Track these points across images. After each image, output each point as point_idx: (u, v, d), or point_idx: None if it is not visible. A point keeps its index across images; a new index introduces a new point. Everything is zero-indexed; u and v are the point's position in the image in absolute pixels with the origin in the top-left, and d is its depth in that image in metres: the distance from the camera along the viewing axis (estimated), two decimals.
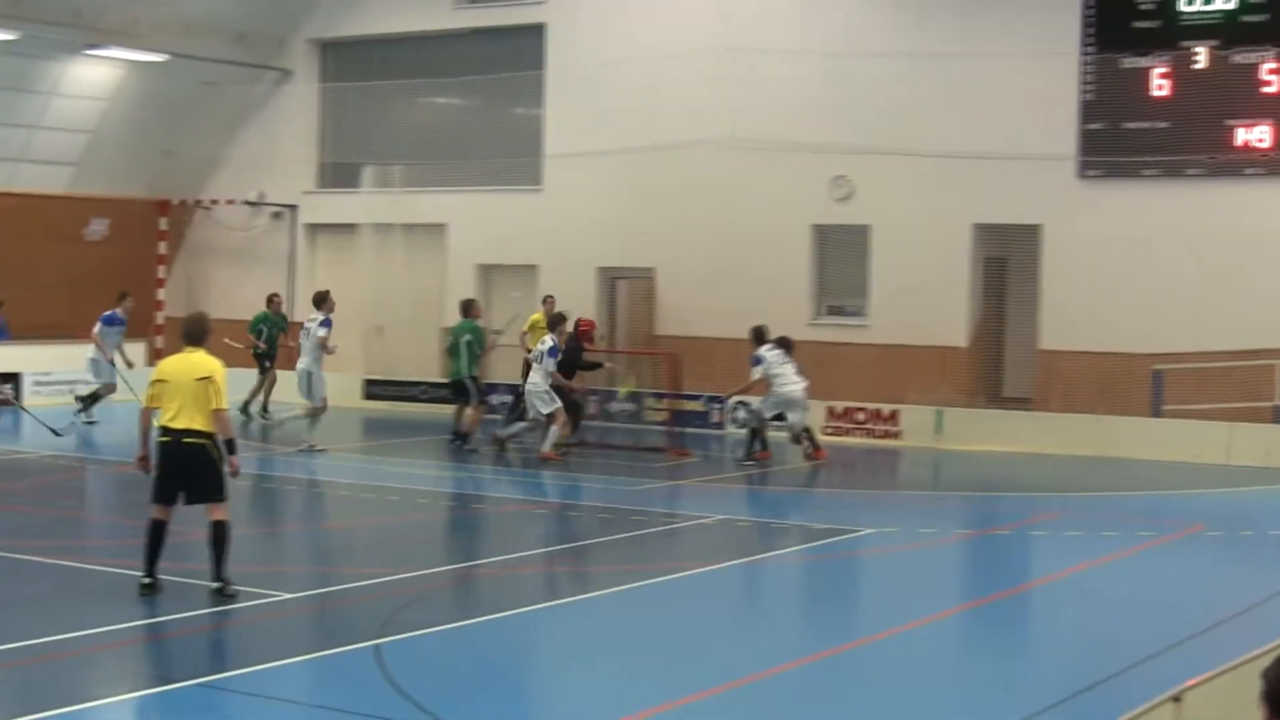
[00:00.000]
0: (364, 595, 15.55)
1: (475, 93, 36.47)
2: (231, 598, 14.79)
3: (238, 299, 38.44)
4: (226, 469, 15.09)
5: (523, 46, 35.42)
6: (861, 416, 30.39)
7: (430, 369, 35.65)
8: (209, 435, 14.87)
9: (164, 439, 14.86)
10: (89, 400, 30.04)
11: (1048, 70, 29.55)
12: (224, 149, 38.99)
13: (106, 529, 19.87)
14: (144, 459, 15.31)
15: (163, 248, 39.30)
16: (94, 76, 35.48)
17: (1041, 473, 26.81)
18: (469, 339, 27.85)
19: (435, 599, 15.62)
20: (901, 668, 13.29)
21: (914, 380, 30.81)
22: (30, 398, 33.89)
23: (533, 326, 29.57)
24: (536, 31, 35.09)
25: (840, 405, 30.71)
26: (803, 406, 27.20)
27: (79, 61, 34.82)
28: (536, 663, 13.84)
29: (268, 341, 31.91)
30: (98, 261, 37.23)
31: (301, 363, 27.02)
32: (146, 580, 14.82)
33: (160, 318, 38.83)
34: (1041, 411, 29.88)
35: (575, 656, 13.73)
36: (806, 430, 27.53)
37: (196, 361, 15.01)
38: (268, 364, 31.75)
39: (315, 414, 26.83)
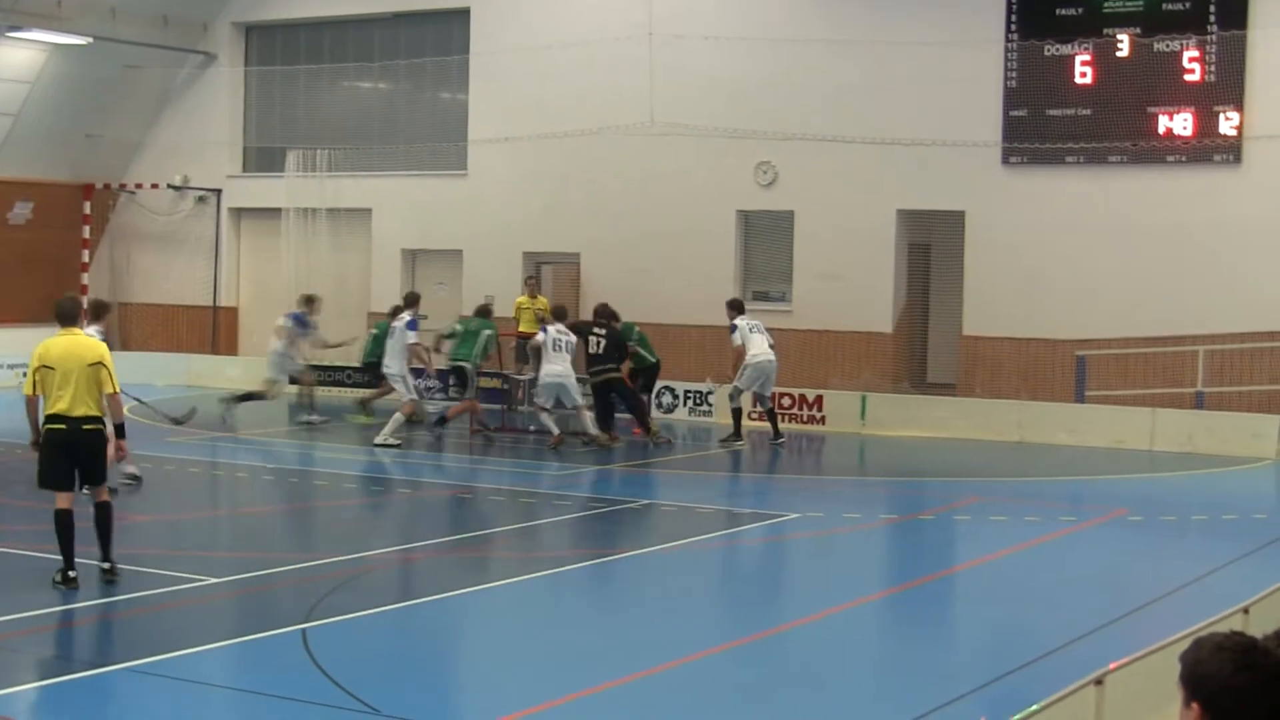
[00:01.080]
0: (290, 580, 15.53)
1: (400, 77, 36.39)
2: (113, 580, 14.70)
3: (162, 283, 38.34)
4: (110, 451, 15.02)
5: (447, 31, 35.37)
6: (786, 402, 30.43)
7: (354, 354, 35.50)
8: (101, 420, 14.70)
9: (58, 426, 14.54)
10: (246, 398, 29.43)
11: (971, 57, 29.71)
12: (148, 133, 38.75)
13: (26, 515, 19.70)
14: (38, 443, 14.83)
15: (86, 232, 39.01)
16: (16, 59, 35.18)
17: (965, 458, 26.97)
18: (490, 334, 27.75)
19: (362, 584, 15.59)
20: (826, 652, 13.38)
21: (838, 366, 30.99)
22: None
23: (519, 310, 29.54)
24: (461, 16, 35.02)
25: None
26: (769, 376, 27.56)
27: (2, 44, 34.50)
28: (463, 647, 13.86)
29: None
30: (21, 245, 36.95)
31: (393, 367, 26.84)
32: (72, 574, 14.51)
33: (84, 302, 38.47)
34: (965, 397, 30.06)
35: (501, 641, 13.77)
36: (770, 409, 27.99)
37: (84, 345, 14.76)
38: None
39: (410, 416, 26.86)
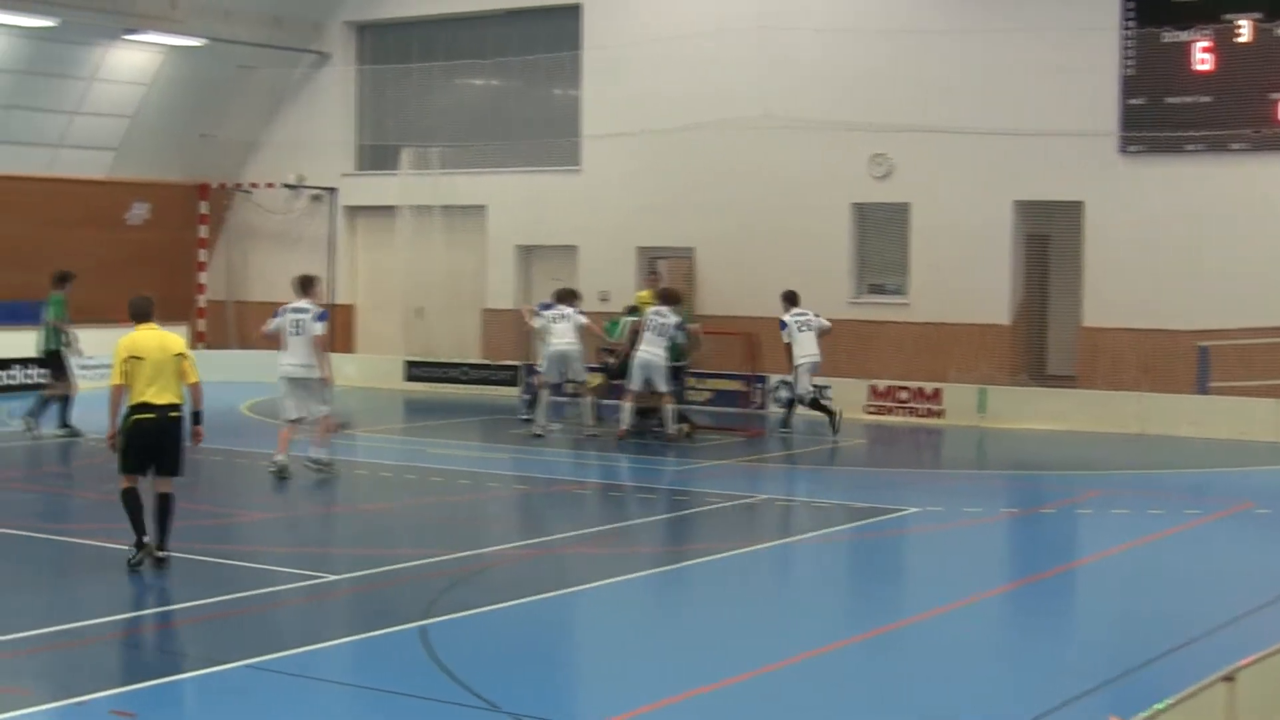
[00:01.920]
0: (409, 577, 15.52)
1: (512, 74, 36.39)
2: (168, 567, 15.31)
3: (279, 282, 38.47)
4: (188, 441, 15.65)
5: (559, 27, 35.35)
6: (904, 395, 30.26)
7: (471, 350, 35.67)
8: (180, 409, 15.46)
9: (147, 415, 15.25)
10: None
11: (1088, 45, 29.36)
12: (262, 132, 39.03)
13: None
14: (115, 436, 15.50)
15: (203, 231, 39.37)
16: (133, 62, 35.52)
17: (1086, 451, 26.64)
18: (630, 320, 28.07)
19: (481, 580, 15.57)
20: (950, 647, 13.20)
21: (956, 358, 30.69)
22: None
23: (641, 304, 29.42)
24: (573, 12, 35.00)
25: (882, 384, 30.61)
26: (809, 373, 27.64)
27: (118, 47, 34.84)
28: (582, 643, 13.79)
29: None
30: (138, 246, 37.31)
31: (569, 344, 26.81)
32: (146, 539, 15.30)
33: (202, 301, 38.89)
34: (1085, 389, 29.71)
35: (621, 636, 13.70)
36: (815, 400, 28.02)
37: (168, 338, 15.65)
38: None
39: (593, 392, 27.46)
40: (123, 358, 15.26)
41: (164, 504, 15.51)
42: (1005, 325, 30.60)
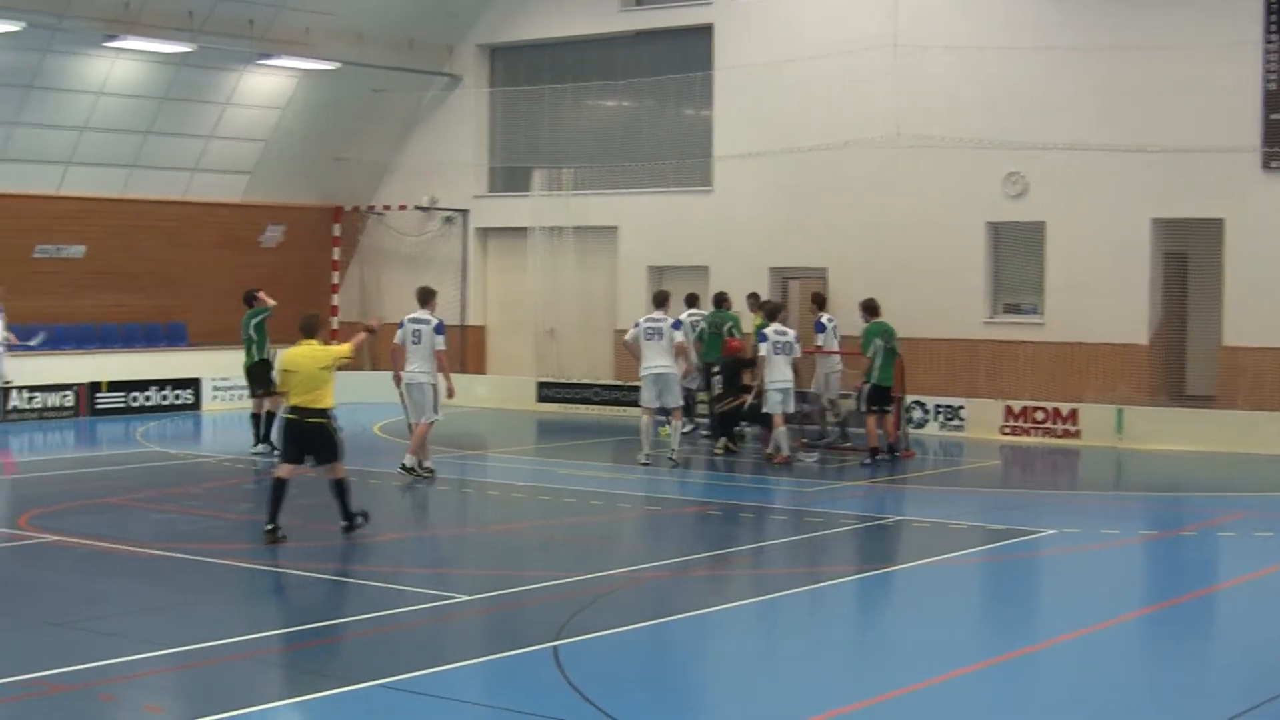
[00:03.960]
0: (541, 597, 15.47)
1: (644, 95, 36.39)
2: (362, 524, 18.33)
3: (412, 303, 38.63)
4: (340, 437, 18.35)
5: (691, 47, 35.31)
6: (1040, 416, 29.90)
7: (603, 371, 35.66)
8: (325, 413, 18.08)
9: (292, 416, 18.23)
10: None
11: (1229, 60, 28.88)
12: (395, 155, 39.29)
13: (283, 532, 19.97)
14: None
15: (336, 253, 39.68)
16: (267, 86, 35.87)
17: (1226, 472, 26.21)
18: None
19: (612, 601, 15.49)
20: (1087, 671, 12.94)
21: (1093, 378, 30.27)
22: (209, 403, 34.38)
23: (757, 329, 29.20)
24: (704, 32, 34.95)
25: (1018, 404, 30.25)
26: (788, 395, 26.28)
27: (253, 72, 35.20)
28: (716, 665, 13.64)
29: None
30: (272, 268, 37.62)
31: (664, 368, 25.56)
32: (269, 528, 17.78)
33: (335, 323, 39.16)
34: (1225, 409, 29.18)
35: (754, 659, 13.57)
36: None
37: (317, 352, 18.32)
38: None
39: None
40: (280, 370, 18.33)
41: (338, 487, 18.18)
42: (1143, 345, 30.15)
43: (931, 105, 31.68)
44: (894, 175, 32.15)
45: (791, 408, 26.25)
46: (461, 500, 23.27)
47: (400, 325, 23.76)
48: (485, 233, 38.69)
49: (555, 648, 13.04)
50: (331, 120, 37.44)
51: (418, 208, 38.71)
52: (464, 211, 38.57)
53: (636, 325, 26.05)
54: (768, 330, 26.24)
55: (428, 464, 23.57)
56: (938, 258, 31.80)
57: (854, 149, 32.25)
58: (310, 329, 18.63)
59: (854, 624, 14.98)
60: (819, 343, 28.34)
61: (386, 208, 39.49)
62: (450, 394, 23.46)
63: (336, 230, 39.63)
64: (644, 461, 25.62)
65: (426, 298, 24.13)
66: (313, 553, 17.68)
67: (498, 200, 38.32)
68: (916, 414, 30.64)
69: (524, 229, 37.28)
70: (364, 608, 15.05)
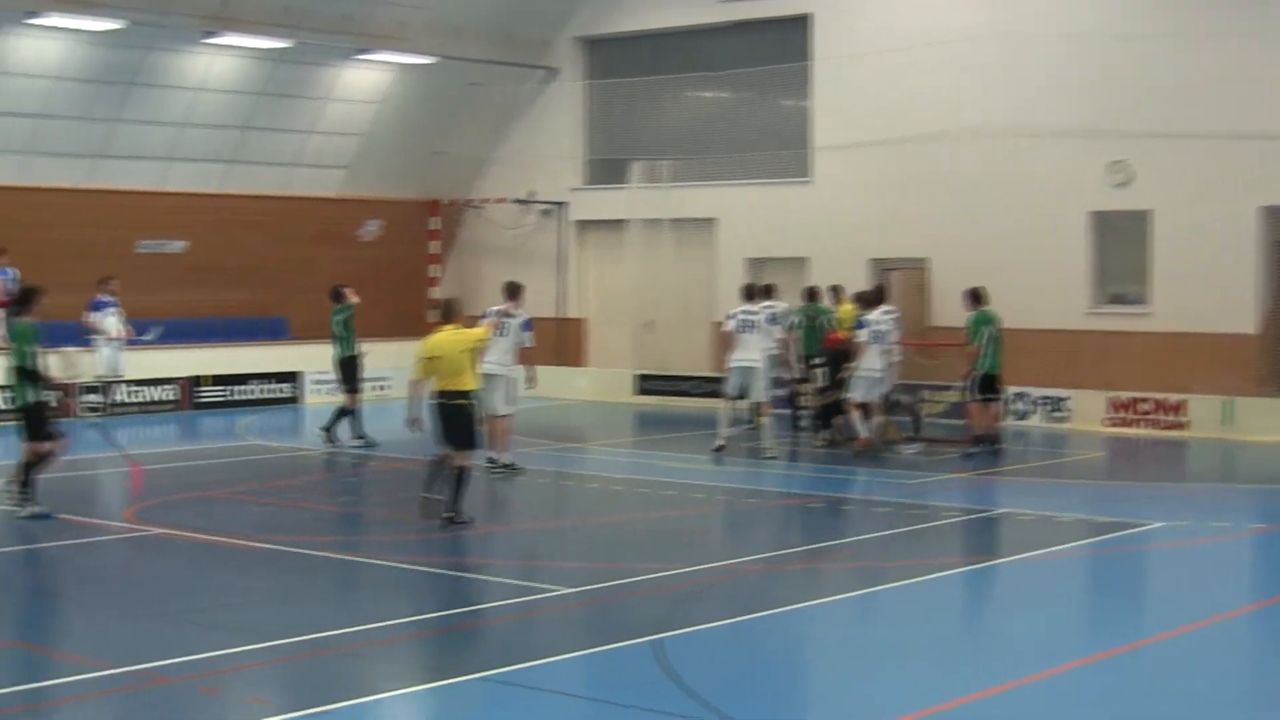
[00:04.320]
0: (642, 590, 15.36)
1: (741, 86, 36.23)
2: (464, 524, 18.29)
3: None
4: (480, 425, 19.10)
5: (788, 38, 35.11)
6: (1146, 407, 29.51)
7: (701, 363, 35.50)
8: (469, 394, 18.55)
9: (440, 401, 18.47)
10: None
11: None
12: (492, 148, 39.30)
13: (381, 525, 19.97)
14: (416, 420, 18.58)
15: (434, 247, 39.74)
16: (364, 81, 35.96)
17: None
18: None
19: (715, 594, 15.38)
20: (1196, 666, 12.70)
21: (1200, 369, 29.78)
22: (309, 396, 34.50)
23: (845, 316, 29.07)
24: (801, 23, 34.74)
25: (1124, 395, 29.86)
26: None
27: (350, 67, 35.31)
28: (819, 658, 13.49)
29: None
30: (370, 262, 37.79)
31: (753, 361, 25.51)
32: (426, 496, 18.52)
33: (433, 317, 39.12)
34: None
35: (858, 652, 13.39)
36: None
37: (460, 335, 18.70)
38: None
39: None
40: (424, 357, 18.57)
41: (460, 475, 18.39)
42: (1252, 335, 29.68)
43: (1032, 93, 31.35)
44: (995, 164, 31.81)
45: (876, 397, 26.16)
46: (560, 493, 23.19)
47: (484, 315, 23.52)
48: (583, 225, 38.64)
49: (658, 641, 12.92)
50: (429, 114, 37.50)
51: (515, 201, 38.71)
52: (562, 204, 38.53)
53: (731, 316, 25.92)
54: (869, 317, 26.18)
55: (507, 458, 23.30)
56: (1040, 248, 31.45)
57: (954, 138, 31.96)
58: (450, 313, 19.08)
59: (960, 617, 14.78)
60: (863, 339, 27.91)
61: (484, 201, 39.53)
62: (533, 384, 23.81)
63: (434, 224, 39.68)
64: (718, 447, 25.66)
65: (514, 291, 24.09)
66: (412, 546, 17.64)
67: (595, 193, 38.25)
68: (1020, 406, 30.30)
69: (622, 221, 37.20)
70: (463, 601, 15.03)
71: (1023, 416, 30.33)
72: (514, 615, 14.31)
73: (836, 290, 30.20)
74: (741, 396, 25.98)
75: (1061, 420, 30.20)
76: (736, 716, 10.84)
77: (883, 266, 33.48)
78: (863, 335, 25.95)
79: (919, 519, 19.95)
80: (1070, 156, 31.03)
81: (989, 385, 26.23)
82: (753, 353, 25.49)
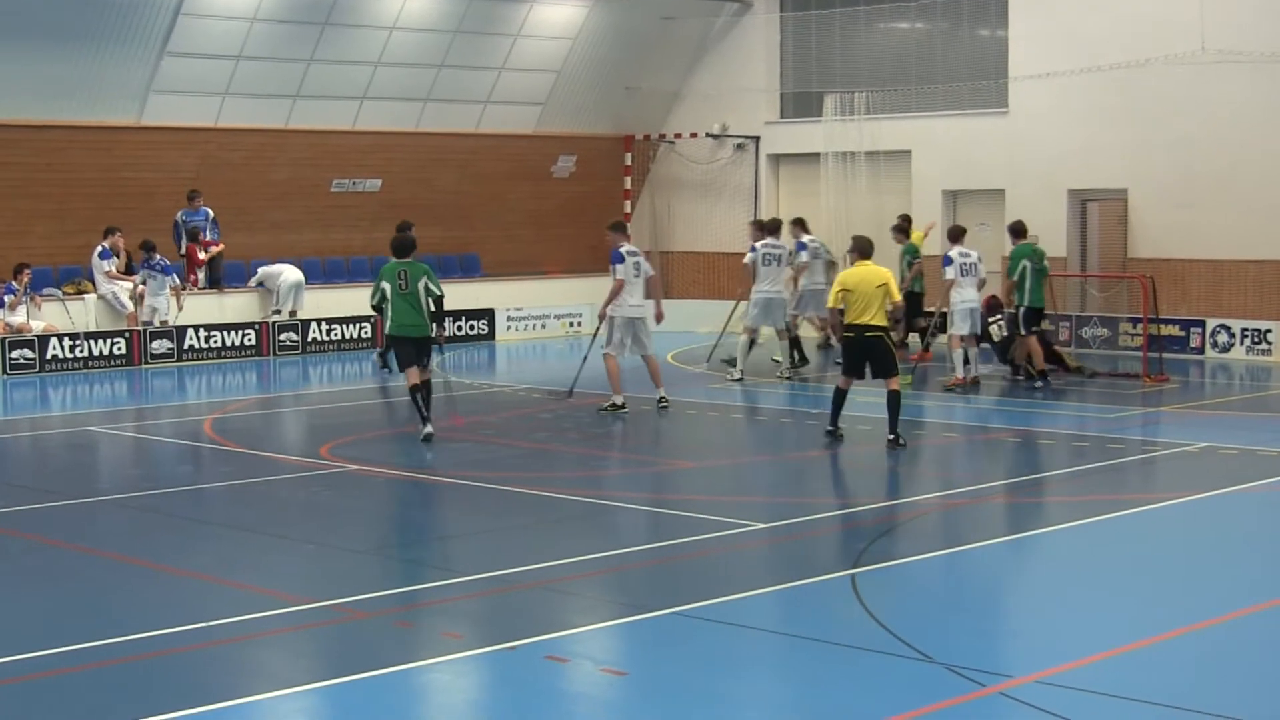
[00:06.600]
0: (836, 525, 15.29)
1: (937, 16, 35.77)
2: (902, 446, 19.36)
3: (703, 231, 38.71)
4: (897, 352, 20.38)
5: None
6: None
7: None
8: (882, 328, 19.67)
9: (850, 334, 19.77)
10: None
11: None
12: (685, 82, 39.18)
13: (577, 461, 20.01)
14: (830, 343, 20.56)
15: (627, 183, 39.73)
16: (559, 17, 35.96)
17: None
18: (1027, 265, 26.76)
19: (910, 529, 15.28)
20: None
21: None
22: (503, 333, 34.73)
23: (917, 243, 29.68)
24: None
25: None
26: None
27: (544, 3, 35.33)
28: (1014, 595, 13.34)
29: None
30: (565, 198, 37.91)
31: (777, 291, 27.09)
32: (830, 428, 20.23)
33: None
34: None
35: (1053, 588, 13.21)
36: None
37: (873, 272, 19.79)
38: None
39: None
40: (837, 290, 19.95)
41: (892, 398, 19.69)
42: None
43: (1239, 18, 30.48)
44: (1199, 92, 31.06)
45: (978, 329, 26.07)
46: (752, 427, 23.14)
47: (620, 260, 22.86)
48: (777, 159, 38.43)
49: (853, 575, 12.86)
50: (622, 49, 37.45)
51: (709, 135, 38.58)
52: (755, 138, 38.34)
53: (754, 250, 26.89)
54: (952, 253, 26.09)
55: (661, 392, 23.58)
56: (1246, 177, 30.68)
57: (1157, 65, 31.26)
58: (865, 250, 20.10)
59: (1152, 555, 14.49)
60: (803, 260, 28.55)
61: (678, 136, 39.44)
62: (659, 318, 23.94)
63: (628, 159, 39.67)
64: (736, 378, 26.49)
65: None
66: (604, 481, 17.67)
67: (789, 126, 38.00)
68: (1222, 338, 29.71)
69: (816, 155, 36.91)
70: (658, 535, 15.04)
71: (1225, 349, 29.72)
72: (709, 550, 14.28)
73: (903, 225, 31.15)
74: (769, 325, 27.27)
75: (1265, 353, 29.53)
76: (932, 653, 10.75)
77: (1081, 198, 32.94)
78: (950, 272, 25.74)
79: (1119, 453, 19.65)
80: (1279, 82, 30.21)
81: (1034, 318, 26.01)
82: (778, 284, 27.09)
